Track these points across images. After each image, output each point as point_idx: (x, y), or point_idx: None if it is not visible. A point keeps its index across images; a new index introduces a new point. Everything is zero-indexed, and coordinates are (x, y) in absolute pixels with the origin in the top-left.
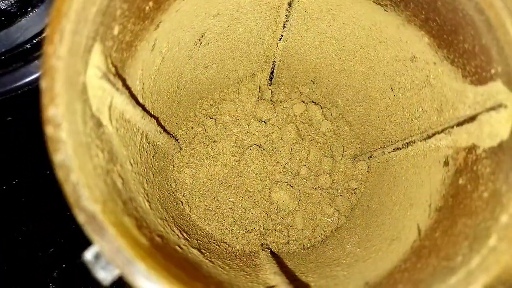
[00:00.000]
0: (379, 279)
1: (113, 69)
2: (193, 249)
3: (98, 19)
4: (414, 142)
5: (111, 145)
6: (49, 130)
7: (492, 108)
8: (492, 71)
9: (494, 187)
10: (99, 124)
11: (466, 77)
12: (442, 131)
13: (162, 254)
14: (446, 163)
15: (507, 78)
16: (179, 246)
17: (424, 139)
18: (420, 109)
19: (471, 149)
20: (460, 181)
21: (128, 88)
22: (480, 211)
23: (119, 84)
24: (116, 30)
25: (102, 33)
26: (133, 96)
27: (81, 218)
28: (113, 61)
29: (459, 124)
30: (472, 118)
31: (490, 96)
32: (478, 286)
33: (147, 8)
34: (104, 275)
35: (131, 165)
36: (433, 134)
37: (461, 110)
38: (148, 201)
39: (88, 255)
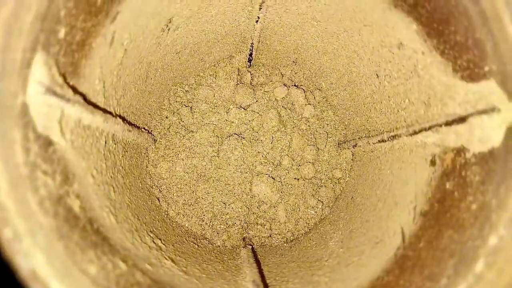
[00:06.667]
0: None
1: (60, 79)
2: (166, 261)
3: (37, 26)
4: (400, 136)
5: (65, 162)
6: None
7: (484, 111)
8: (486, 68)
9: (483, 199)
10: (47, 143)
11: (457, 72)
12: (430, 128)
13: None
14: (432, 162)
15: (502, 78)
16: (149, 263)
17: (411, 135)
18: (407, 100)
19: (460, 151)
20: (447, 186)
21: (82, 94)
22: (467, 226)
23: (69, 93)
24: (62, 33)
25: (43, 40)
26: (90, 102)
27: (23, 274)
28: (60, 68)
29: (448, 123)
30: (462, 119)
31: (482, 96)
32: None
33: (98, 1)
34: None
35: (93, 176)
36: (420, 131)
37: (450, 107)
38: (114, 214)
39: None
